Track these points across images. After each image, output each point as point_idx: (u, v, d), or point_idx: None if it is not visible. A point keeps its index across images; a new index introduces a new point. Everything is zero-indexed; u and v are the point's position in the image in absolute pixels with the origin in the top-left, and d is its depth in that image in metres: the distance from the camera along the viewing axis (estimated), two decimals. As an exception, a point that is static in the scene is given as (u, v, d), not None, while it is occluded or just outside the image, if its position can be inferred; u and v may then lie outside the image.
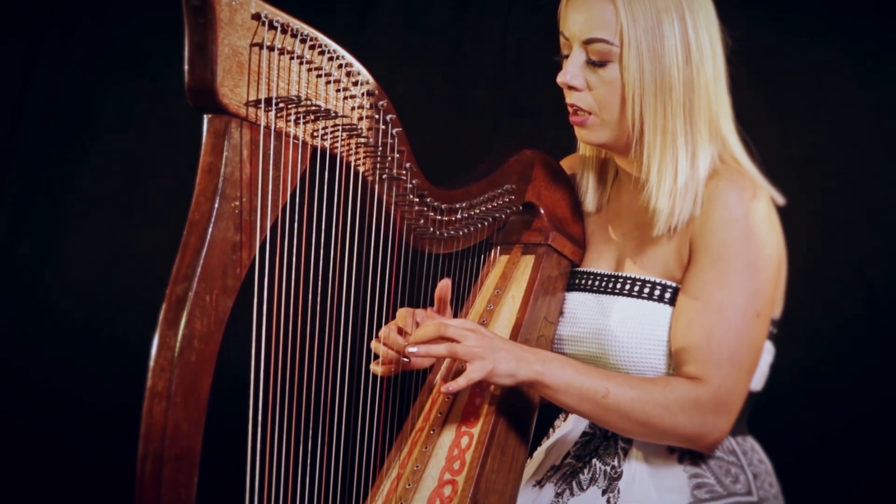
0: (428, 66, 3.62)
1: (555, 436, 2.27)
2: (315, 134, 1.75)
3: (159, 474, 1.53)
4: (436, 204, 2.01)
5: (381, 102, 1.85)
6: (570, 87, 2.07)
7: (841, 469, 3.18)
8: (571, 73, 2.05)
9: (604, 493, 2.07)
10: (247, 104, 1.62)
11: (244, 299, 1.63)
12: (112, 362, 3.70)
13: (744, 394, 2.01)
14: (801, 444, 3.09)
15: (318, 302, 1.79)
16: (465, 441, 2.00)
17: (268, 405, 1.67)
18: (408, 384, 2.05)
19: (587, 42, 2.03)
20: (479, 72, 3.59)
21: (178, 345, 1.53)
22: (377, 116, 1.85)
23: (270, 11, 1.63)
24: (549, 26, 2.18)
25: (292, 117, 1.70)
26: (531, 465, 2.24)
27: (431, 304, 2.07)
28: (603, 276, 2.18)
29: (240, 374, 1.67)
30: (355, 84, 1.80)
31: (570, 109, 2.10)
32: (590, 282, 2.20)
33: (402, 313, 2.07)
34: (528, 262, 2.22)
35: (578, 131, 2.12)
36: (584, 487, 2.10)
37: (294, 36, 1.68)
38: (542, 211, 2.23)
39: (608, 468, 2.09)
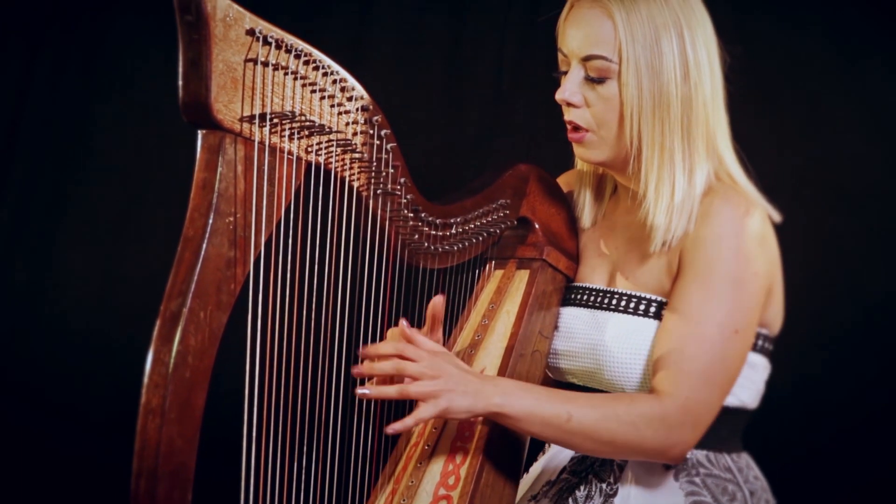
0: (423, 81, 3.62)
1: (550, 451, 2.26)
2: (309, 149, 1.75)
3: (153, 491, 1.53)
4: (430, 219, 2.01)
5: (375, 118, 1.85)
6: (569, 104, 2.07)
7: (837, 485, 3.18)
8: (570, 89, 2.05)
9: (599, 509, 2.07)
10: (241, 120, 1.62)
11: (238, 315, 1.63)
12: (106, 378, 3.69)
13: (714, 409, 1.99)
14: (796, 461, 3.08)
15: (313, 318, 1.79)
16: (459, 456, 1.99)
17: (262, 421, 1.67)
18: (402, 401, 2.05)
19: (586, 59, 2.03)
20: (476, 87, 3.59)
21: (172, 361, 1.53)
22: (371, 132, 1.85)
23: (265, 27, 1.64)
24: (546, 43, 2.19)
25: (287, 133, 1.70)
26: (526, 481, 2.24)
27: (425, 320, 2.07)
28: (597, 291, 2.18)
29: (234, 390, 1.66)
30: (350, 99, 1.80)
31: (568, 126, 2.10)
32: (584, 297, 2.20)
33: (392, 334, 2.07)
34: (522, 276, 2.22)
35: (577, 149, 2.12)
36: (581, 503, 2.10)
37: (288, 51, 1.68)
38: (536, 226, 2.23)
39: (604, 485, 2.09)
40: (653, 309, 2.07)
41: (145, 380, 1.53)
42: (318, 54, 1.73)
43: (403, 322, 1.96)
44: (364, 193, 1.88)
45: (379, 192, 1.90)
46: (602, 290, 2.17)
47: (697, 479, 2.05)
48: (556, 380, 2.24)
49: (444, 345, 2.14)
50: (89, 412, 3.72)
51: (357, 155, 1.84)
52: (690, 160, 2.03)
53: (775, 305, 2.10)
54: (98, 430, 3.64)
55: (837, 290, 3.21)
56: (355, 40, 3.63)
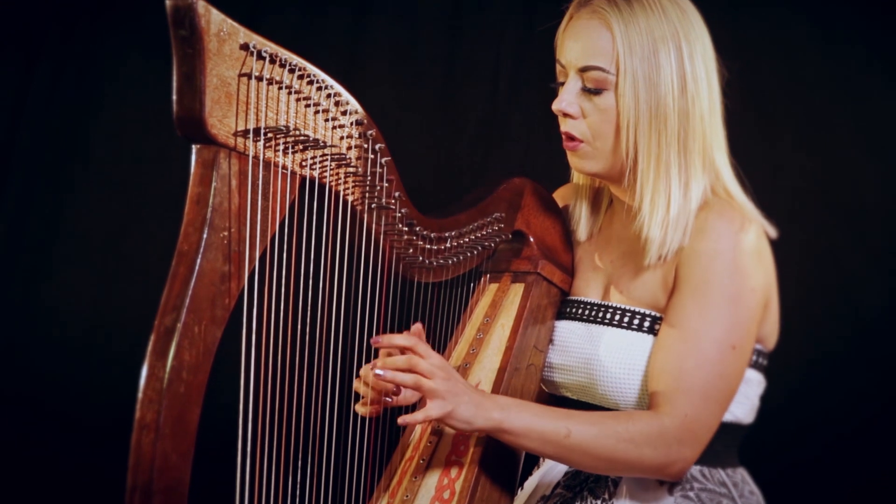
0: (419, 94, 3.62)
1: (545, 466, 2.26)
2: (304, 164, 1.75)
3: (148, 507, 1.53)
4: (425, 233, 2.01)
5: (369, 132, 1.85)
6: (565, 115, 2.07)
7: (832, 500, 3.17)
8: (567, 100, 2.05)
9: (594, 524, 2.07)
10: (235, 134, 1.62)
11: (233, 330, 1.62)
12: (103, 389, 3.68)
13: (712, 425, 1.99)
14: (792, 476, 3.07)
15: (308, 332, 1.79)
16: (454, 470, 1.99)
17: (257, 436, 1.66)
18: (397, 414, 2.04)
19: (583, 70, 2.03)
20: (471, 101, 3.59)
21: (166, 376, 1.53)
22: (366, 146, 1.85)
23: (259, 42, 1.64)
24: (541, 55, 2.19)
25: (281, 147, 1.70)
26: (521, 496, 2.24)
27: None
28: (591, 304, 2.18)
29: (229, 405, 1.66)
30: (344, 114, 1.80)
31: (565, 137, 2.10)
32: (579, 310, 2.20)
33: (385, 352, 2.07)
34: (517, 290, 2.22)
35: (572, 159, 2.12)
36: (575, 519, 2.10)
37: (282, 66, 1.68)
38: (531, 239, 2.23)
39: (599, 501, 2.08)
40: (647, 324, 2.07)
41: (140, 395, 1.53)
42: (312, 69, 1.73)
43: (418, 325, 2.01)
44: (359, 207, 1.88)
45: (373, 206, 1.90)
46: (597, 304, 2.17)
47: (692, 494, 2.04)
48: (551, 393, 2.24)
49: None
50: (85, 420, 3.71)
51: (351, 169, 1.84)
52: (686, 173, 2.03)
53: (771, 321, 2.10)
54: (95, 438, 3.63)
55: (833, 305, 3.21)
56: (350, 54, 3.63)
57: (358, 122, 1.83)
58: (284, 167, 1.71)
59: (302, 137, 1.73)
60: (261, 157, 1.66)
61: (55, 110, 3.79)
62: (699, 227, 2.02)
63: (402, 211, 1.95)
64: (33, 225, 3.80)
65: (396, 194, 1.92)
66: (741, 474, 2.13)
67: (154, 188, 3.69)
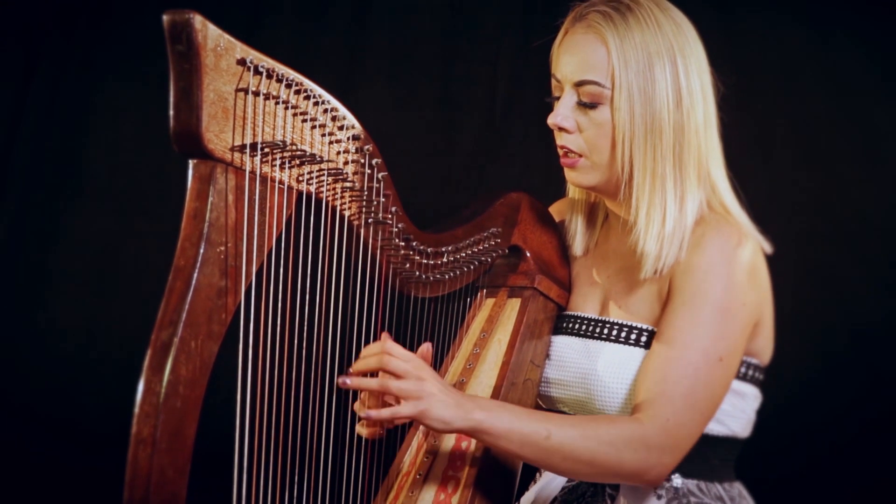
0: (415, 109, 3.62)
1: (541, 480, 2.26)
2: (301, 179, 1.75)
3: (144, 521, 1.52)
4: (422, 248, 2.01)
5: (366, 147, 1.85)
6: (561, 129, 2.07)
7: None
8: (562, 114, 2.06)
9: (591, 539, 2.07)
10: (232, 149, 1.62)
11: (230, 344, 1.62)
12: (98, 407, 3.68)
13: (694, 434, 1.98)
14: (788, 490, 3.08)
15: (304, 347, 1.79)
16: (451, 486, 1.99)
17: (253, 451, 1.66)
18: (394, 430, 2.05)
19: (579, 84, 2.03)
20: (468, 116, 3.60)
21: (163, 390, 1.53)
22: (363, 161, 1.85)
23: (256, 57, 1.64)
24: (538, 69, 2.19)
25: (278, 162, 1.70)
26: (518, 511, 2.24)
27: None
28: (589, 320, 2.18)
29: (225, 419, 1.66)
30: (341, 129, 1.81)
31: (561, 151, 2.10)
32: (576, 326, 2.20)
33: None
34: (514, 305, 2.22)
35: (568, 174, 2.13)
36: (572, 534, 2.10)
37: (279, 81, 1.68)
38: (528, 254, 2.23)
39: (596, 516, 2.08)
40: (644, 338, 2.07)
41: (136, 409, 1.53)
42: (309, 84, 1.73)
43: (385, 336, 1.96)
44: (355, 222, 1.88)
45: (370, 220, 1.90)
46: (594, 320, 2.17)
47: (690, 508, 2.05)
48: (548, 408, 2.24)
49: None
50: (80, 435, 3.71)
51: (348, 184, 1.84)
52: (682, 188, 2.03)
53: (765, 335, 2.10)
54: (91, 450, 3.62)
55: (829, 319, 3.21)
56: (347, 69, 3.64)
57: (355, 137, 1.83)
58: (281, 182, 1.72)
59: (299, 152, 1.73)
60: (258, 172, 1.66)
61: (52, 125, 3.79)
62: (695, 241, 2.02)
63: (399, 226, 1.95)
64: (30, 239, 3.79)
65: (393, 209, 1.92)
66: (738, 488, 2.13)
67: (151, 203, 3.69)
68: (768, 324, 2.09)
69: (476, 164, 3.57)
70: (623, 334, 2.10)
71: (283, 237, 1.72)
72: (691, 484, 2.05)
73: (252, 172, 1.65)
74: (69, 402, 3.75)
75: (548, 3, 3.36)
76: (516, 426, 1.89)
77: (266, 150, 1.68)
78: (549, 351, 2.21)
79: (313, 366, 1.82)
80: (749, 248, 2.01)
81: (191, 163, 1.62)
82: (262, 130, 1.67)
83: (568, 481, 2.17)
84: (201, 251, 1.59)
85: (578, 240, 2.28)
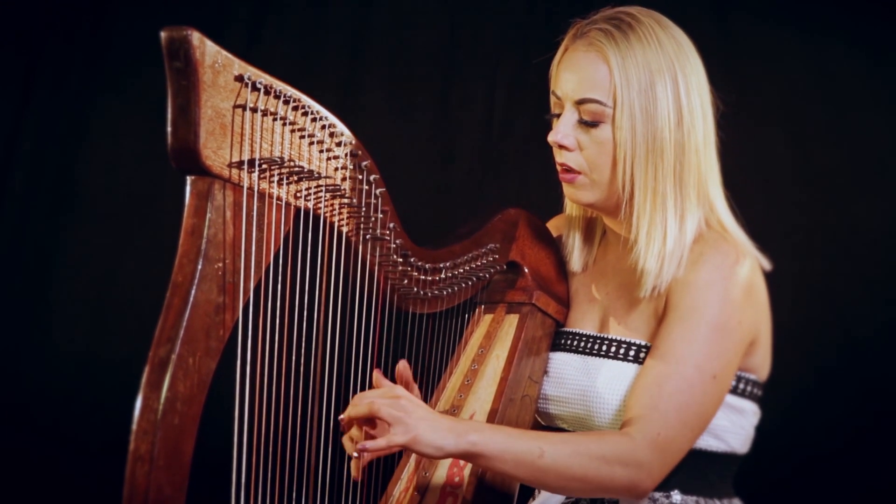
0: (413, 125, 3.63)
1: (539, 499, 2.25)
2: (298, 195, 1.75)
3: (142, 539, 1.52)
4: (419, 264, 2.01)
5: (364, 163, 1.85)
6: (561, 147, 2.06)
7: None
8: (563, 132, 2.05)
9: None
10: (230, 165, 1.63)
11: (228, 361, 1.62)
12: (95, 425, 3.68)
13: (683, 450, 1.97)
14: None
15: (302, 363, 1.79)
16: (449, 502, 1.98)
17: (251, 468, 1.66)
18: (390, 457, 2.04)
19: (580, 102, 2.03)
20: (465, 132, 3.60)
21: (160, 407, 1.52)
22: (360, 177, 1.85)
23: (254, 73, 1.64)
24: (536, 86, 2.19)
25: (275, 178, 1.71)
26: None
27: (414, 370, 2.06)
28: (588, 336, 2.18)
29: (223, 436, 1.66)
30: (338, 144, 1.81)
31: (560, 169, 2.10)
32: (575, 342, 2.19)
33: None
34: (512, 321, 2.22)
35: (567, 190, 2.12)
36: (572, 552, 2.09)
37: (277, 97, 1.68)
38: (526, 270, 2.23)
39: (595, 534, 2.08)
40: (643, 355, 2.07)
41: (134, 426, 1.52)
42: (306, 100, 1.73)
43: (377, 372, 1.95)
44: (353, 239, 1.88)
45: (368, 237, 1.90)
46: (593, 336, 2.17)
47: (688, 525, 2.04)
48: (546, 425, 2.23)
49: (424, 398, 2.14)
50: (78, 451, 3.71)
51: (346, 200, 1.84)
52: (682, 206, 2.03)
53: (763, 351, 2.09)
54: (88, 468, 3.62)
55: (827, 336, 3.21)
56: (345, 85, 3.64)
57: (352, 154, 1.83)
58: (279, 198, 1.72)
59: (296, 169, 1.73)
60: (255, 189, 1.66)
61: (49, 143, 3.79)
62: (693, 259, 2.02)
63: (397, 242, 1.95)
64: (28, 256, 3.79)
65: (391, 225, 1.92)
66: (737, 505, 2.13)
67: (149, 219, 3.69)
68: (766, 340, 2.09)
69: (474, 179, 3.58)
70: (622, 351, 2.09)
71: (281, 253, 1.72)
72: (690, 501, 2.05)
73: (250, 189, 1.66)
74: (69, 416, 3.74)
75: (548, 20, 3.37)
76: (510, 446, 1.87)
77: (264, 166, 1.68)
78: (548, 367, 2.21)
79: (311, 382, 1.82)
80: (746, 265, 2.01)
81: (188, 179, 1.62)
82: (260, 147, 1.67)
83: (566, 499, 2.16)
84: (199, 267, 1.59)
85: (576, 256, 2.27)
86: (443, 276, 2.07)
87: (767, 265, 2.07)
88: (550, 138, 2.08)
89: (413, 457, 2.09)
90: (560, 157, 2.08)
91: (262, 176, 1.68)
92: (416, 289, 2.03)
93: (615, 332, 2.14)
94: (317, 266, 1.79)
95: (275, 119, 1.69)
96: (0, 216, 3.78)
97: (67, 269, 3.78)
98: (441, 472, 2.04)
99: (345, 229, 1.86)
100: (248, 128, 1.65)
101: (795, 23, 3.26)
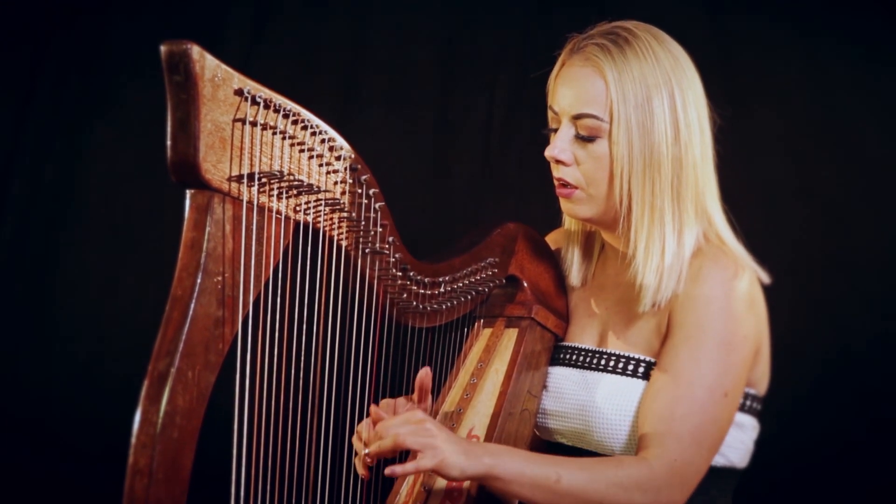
0: (412, 139, 3.63)
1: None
2: (298, 208, 1.75)
3: (141, 553, 1.52)
4: (419, 278, 2.01)
5: (363, 177, 1.85)
6: (559, 162, 2.07)
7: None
8: (560, 147, 2.05)
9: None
10: (229, 179, 1.63)
11: (227, 375, 1.62)
12: (95, 437, 3.67)
13: (702, 470, 1.97)
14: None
15: (302, 377, 1.78)
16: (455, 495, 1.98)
17: (250, 481, 1.66)
18: (390, 462, 2.04)
19: (576, 117, 2.03)
20: (464, 146, 3.60)
21: (159, 421, 1.52)
22: (360, 191, 1.86)
23: (253, 87, 1.64)
24: (534, 101, 2.19)
25: (275, 192, 1.71)
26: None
27: (413, 383, 2.06)
28: (587, 351, 2.18)
29: (222, 450, 1.65)
30: (338, 158, 1.81)
31: (557, 183, 2.10)
32: (574, 357, 2.19)
33: (384, 404, 2.06)
34: (511, 335, 2.22)
35: (564, 205, 2.12)
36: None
37: (277, 111, 1.68)
38: (525, 284, 2.23)
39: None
40: (641, 369, 2.07)
41: (133, 440, 1.52)
42: (306, 114, 1.73)
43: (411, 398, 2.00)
44: (352, 252, 1.88)
45: (367, 251, 1.90)
46: (592, 351, 2.17)
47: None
48: (545, 439, 2.23)
49: (432, 406, 2.14)
50: (76, 481, 3.71)
51: (345, 214, 1.85)
52: (680, 220, 2.03)
53: (762, 365, 2.09)
54: (88, 482, 3.62)
55: (826, 350, 3.21)
56: (344, 99, 3.65)
57: (352, 168, 1.83)
58: (278, 212, 1.72)
59: (296, 182, 1.74)
60: (255, 202, 1.66)
61: (49, 156, 3.80)
62: (693, 274, 2.02)
63: (396, 256, 1.95)
64: (28, 269, 3.80)
65: (390, 239, 1.92)
66: (736, 519, 2.13)
67: (148, 233, 3.70)
68: (766, 353, 2.09)
69: (473, 193, 3.58)
70: (621, 365, 2.09)
71: (281, 267, 1.72)
72: (690, 515, 2.05)
73: (249, 202, 1.66)
74: (69, 428, 3.74)
75: (546, 34, 3.38)
76: (527, 471, 1.88)
77: (263, 180, 1.68)
78: (547, 382, 2.21)
79: (310, 396, 1.82)
80: (746, 278, 2.01)
81: (188, 193, 1.62)
82: (260, 160, 1.67)
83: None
84: (198, 281, 1.59)
85: (575, 270, 2.27)
86: (442, 289, 2.07)
87: (766, 278, 2.07)
88: (547, 153, 2.08)
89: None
90: (557, 172, 2.08)
91: (261, 190, 1.68)
92: (415, 303, 2.03)
93: (614, 346, 2.13)
94: (316, 280, 1.79)
95: (274, 133, 1.69)
96: (1, 228, 3.79)
97: (68, 282, 3.79)
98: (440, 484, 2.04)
99: (344, 243, 1.86)
100: (248, 141, 1.65)
101: (795, 35, 3.27)
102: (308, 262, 1.76)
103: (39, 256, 3.81)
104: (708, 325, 1.98)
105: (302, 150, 1.74)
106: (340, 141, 1.80)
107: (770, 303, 2.06)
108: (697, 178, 2.03)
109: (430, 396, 2.08)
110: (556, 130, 2.08)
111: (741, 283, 1.99)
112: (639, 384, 2.05)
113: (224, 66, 1.60)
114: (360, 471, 1.98)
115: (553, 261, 2.30)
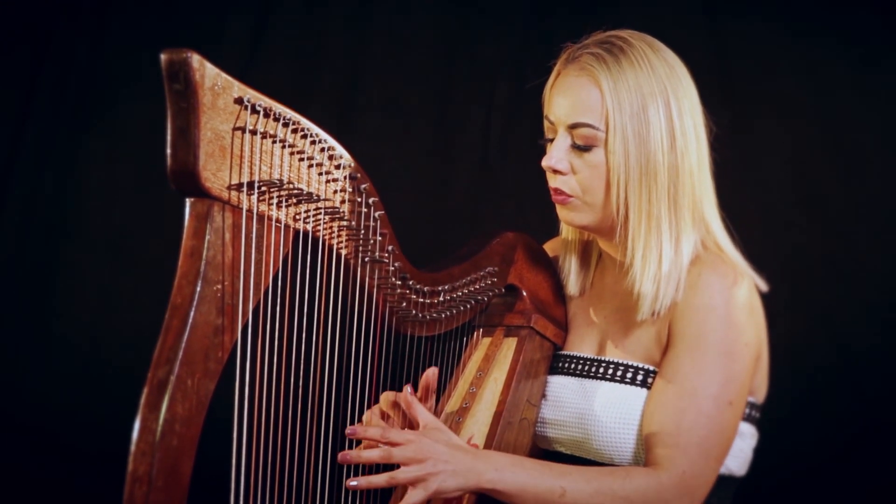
0: (411, 148, 3.64)
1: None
2: (297, 217, 1.76)
3: (140, 561, 1.52)
4: (418, 287, 2.01)
5: (363, 185, 1.85)
6: (555, 171, 2.07)
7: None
8: (556, 156, 2.05)
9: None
10: (229, 188, 1.63)
11: (226, 383, 1.62)
12: (95, 444, 3.67)
13: (710, 481, 1.98)
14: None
15: (301, 385, 1.78)
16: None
17: (250, 490, 1.66)
18: (390, 468, 2.04)
19: (572, 126, 2.03)
20: (463, 155, 3.61)
21: (159, 429, 1.53)
22: (359, 199, 1.86)
23: (253, 95, 1.64)
24: (532, 111, 2.20)
25: (274, 201, 1.71)
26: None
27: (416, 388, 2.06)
28: (586, 359, 2.18)
29: (222, 458, 1.65)
30: (337, 167, 1.81)
31: (553, 192, 2.10)
32: (573, 365, 2.19)
33: (385, 397, 2.06)
34: (510, 344, 2.22)
35: (561, 212, 2.13)
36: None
37: (276, 119, 1.69)
38: (524, 293, 2.23)
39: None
40: (640, 377, 2.07)
41: (132, 447, 1.52)
42: (305, 122, 1.73)
43: (408, 388, 2.00)
44: (352, 261, 1.88)
45: (367, 259, 1.90)
46: (591, 359, 2.17)
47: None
48: (544, 448, 2.23)
49: (435, 407, 2.14)
50: (76, 487, 3.70)
51: (345, 223, 1.85)
52: (677, 228, 2.03)
53: (761, 373, 2.09)
54: (91, 478, 3.62)
55: (825, 358, 3.21)
56: (343, 108, 3.66)
57: (351, 176, 1.84)
58: (278, 220, 1.72)
59: (295, 191, 1.74)
60: (254, 211, 1.67)
61: (48, 164, 3.80)
62: (692, 282, 2.02)
63: (396, 265, 1.95)
64: (28, 278, 3.80)
65: (389, 248, 1.93)
66: (735, 527, 2.13)
67: (148, 241, 3.70)
68: (764, 361, 2.09)
69: (471, 202, 3.58)
70: (619, 373, 2.09)
71: (280, 275, 1.72)
72: (689, 523, 2.05)
73: (249, 211, 1.66)
74: (69, 435, 3.75)
75: (543, 43, 3.38)
76: (530, 485, 1.89)
77: (263, 188, 1.68)
78: (546, 391, 2.21)
79: (310, 404, 1.82)
80: (745, 286, 2.01)
81: (188, 201, 1.62)
82: (259, 169, 1.67)
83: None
84: (198, 289, 1.59)
85: (573, 279, 2.27)
86: (441, 298, 2.07)
87: (764, 286, 2.07)
88: (544, 163, 2.08)
89: None
90: (553, 182, 2.09)
91: (261, 198, 1.68)
92: (414, 311, 2.03)
93: (613, 354, 2.14)
94: (315, 288, 1.79)
95: (274, 141, 1.69)
96: (1, 235, 3.79)
97: (68, 289, 3.79)
98: None
99: (343, 252, 1.86)
100: (248, 150, 1.65)
101: (793, 41, 3.28)
102: (308, 270, 1.76)
103: (39, 263, 3.82)
104: (710, 335, 1.98)
105: (302, 159, 1.75)
106: (340, 150, 1.80)
107: (768, 310, 2.07)
108: (694, 185, 2.04)
109: (434, 396, 2.08)
110: (552, 140, 2.08)
111: (741, 291, 2.00)
112: (638, 392, 2.05)
113: (224, 75, 1.60)
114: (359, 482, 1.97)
115: (552, 270, 2.30)
